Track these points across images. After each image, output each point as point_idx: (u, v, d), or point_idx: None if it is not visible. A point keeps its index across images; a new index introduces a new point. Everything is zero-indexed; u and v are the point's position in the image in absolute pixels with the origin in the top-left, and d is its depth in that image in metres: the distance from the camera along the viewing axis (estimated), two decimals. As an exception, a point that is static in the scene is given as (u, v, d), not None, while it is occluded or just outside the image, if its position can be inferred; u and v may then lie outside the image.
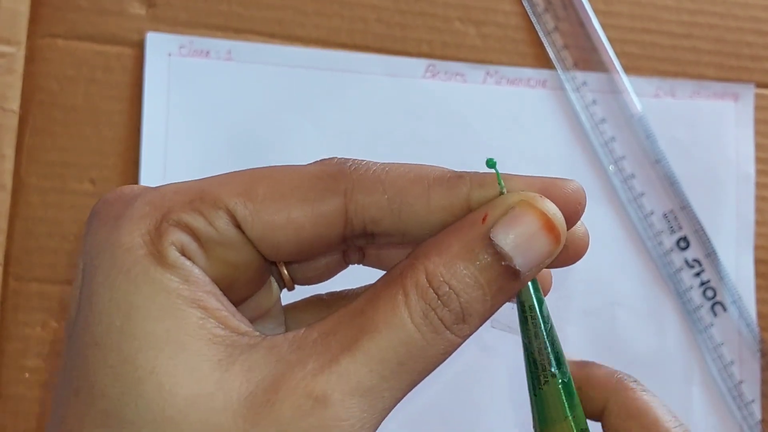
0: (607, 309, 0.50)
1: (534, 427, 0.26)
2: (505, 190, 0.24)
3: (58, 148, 0.46)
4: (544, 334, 0.25)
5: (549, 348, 0.25)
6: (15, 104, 0.45)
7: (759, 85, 0.53)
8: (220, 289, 0.24)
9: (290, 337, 0.23)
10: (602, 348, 0.50)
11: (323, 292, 0.29)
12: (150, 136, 0.46)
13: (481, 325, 0.23)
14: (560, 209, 0.24)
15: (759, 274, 0.51)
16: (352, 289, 0.29)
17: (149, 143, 0.46)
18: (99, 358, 0.22)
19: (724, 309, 0.50)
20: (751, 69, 0.53)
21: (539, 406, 0.25)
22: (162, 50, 0.47)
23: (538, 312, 0.25)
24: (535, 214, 0.23)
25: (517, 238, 0.23)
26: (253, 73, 0.48)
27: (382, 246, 0.27)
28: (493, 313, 0.24)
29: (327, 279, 0.29)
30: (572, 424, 0.25)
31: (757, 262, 0.52)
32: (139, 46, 0.47)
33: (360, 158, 0.25)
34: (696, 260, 0.51)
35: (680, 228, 0.51)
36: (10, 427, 0.43)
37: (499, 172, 0.24)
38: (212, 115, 0.47)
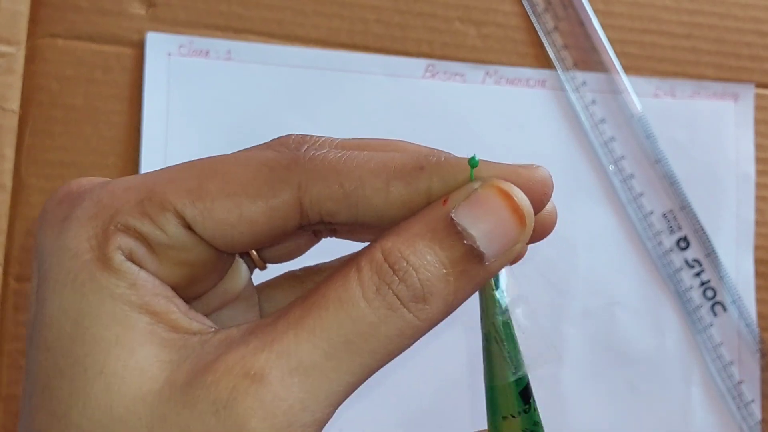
0: (606, 309, 0.50)
1: (487, 419, 0.25)
2: (475, 157, 0.23)
3: (58, 148, 0.46)
4: (500, 325, 0.24)
5: (504, 342, 0.24)
6: (15, 104, 0.45)
7: (759, 85, 0.53)
8: (178, 288, 0.23)
9: (244, 326, 0.22)
10: (602, 348, 0.50)
11: (297, 269, 0.28)
12: (150, 136, 0.46)
13: (446, 312, 0.22)
14: (526, 195, 0.23)
15: (759, 274, 0.51)
16: (325, 263, 0.28)
17: (149, 143, 0.46)
18: (50, 362, 0.22)
19: (724, 309, 0.50)
20: (751, 69, 0.53)
21: (489, 398, 0.25)
22: (162, 50, 0.47)
23: (497, 303, 0.24)
24: (499, 195, 0.22)
25: (480, 218, 0.22)
26: (252, 73, 0.48)
27: (344, 235, 0.26)
28: (458, 302, 0.22)
29: (299, 255, 0.28)
30: (520, 421, 0.24)
31: (757, 262, 0.52)
32: (139, 46, 0.47)
33: (319, 136, 0.24)
34: (696, 260, 0.51)
35: (680, 228, 0.51)
36: (10, 428, 0.43)
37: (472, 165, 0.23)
38: (212, 114, 0.47)
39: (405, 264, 0.21)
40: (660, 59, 0.52)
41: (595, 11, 0.51)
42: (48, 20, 0.46)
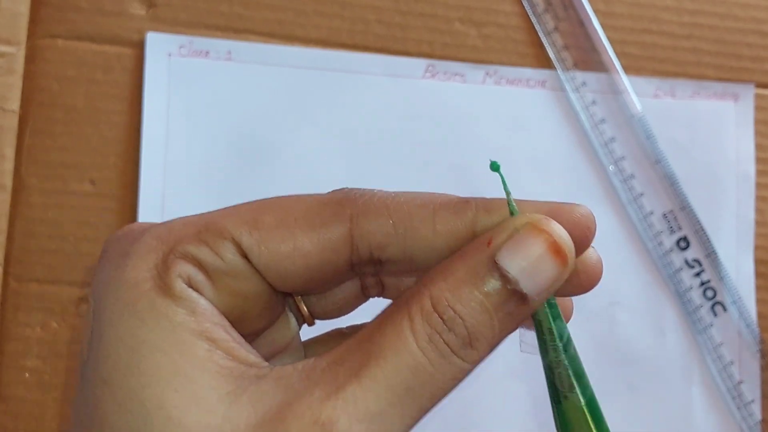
0: (607, 309, 0.50)
1: None
2: (511, 196, 0.24)
3: (58, 149, 0.46)
4: (563, 354, 0.24)
5: (568, 370, 0.24)
6: (15, 104, 0.45)
7: (759, 86, 0.53)
8: (230, 321, 0.24)
9: (299, 367, 0.22)
10: (602, 348, 0.50)
11: (344, 326, 0.29)
12: (150, 137, 0.46)
13: (490, 351, 0.23)
14: (568, 233, 0.23)
15: (759, 274, 0.51)
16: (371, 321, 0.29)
17: (149, 143, 0.46)
18: (107, 395, 0.22)
19: (724, 309, 0.50)
20: (751, 69, 0.53)
21: (560, 424, 0.25)
22: (162, 50, 0.47)
23: (556, 334, 0.24)
24: (541, 236, 0.23)
25: (523, 261, 0.22)
26: (252, 74, 0.48)
27: (391, 273, 0.26)
28: (504, 338, 0.23)
29: (347, 312, 0.29)
30: None
31: (757, 262, 0.52)
32: (139, 46, 0.47)
33: (366, 188, 0.25)
34: (696, 260, 0.51)
35: (680, 228, 0.51)
36: (10, 428, 0.43)
37: (504, 178, 0.24)
38: (212, 115, 0.47)
39: (452, 314, 0.22)
40: (660, 59, 0.52)
41: (595, 11, 0.51)
42: (48, 20, 0.46)
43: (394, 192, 0.25)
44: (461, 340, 0.22)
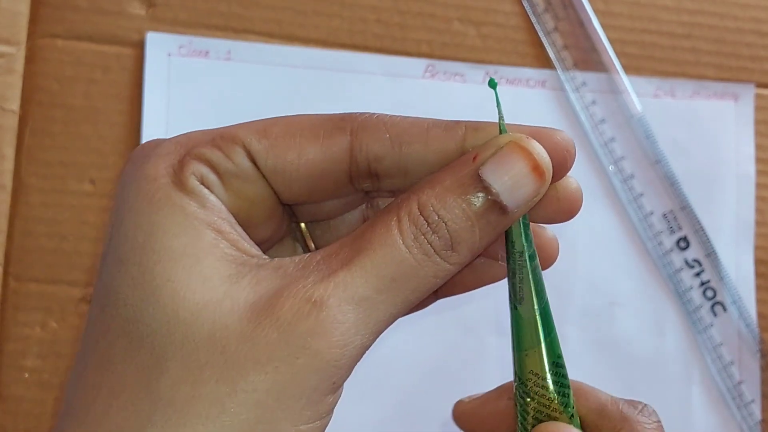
0: (607, 309, 0.50)
1: (512, 348, 0.27)
2: (501, 108, 0.26)
3: (58, 148, 0.46)
4: (527, 264, 0.26)
5: (529, 277, 0.26)
6: (15, 104, 0.45)
7: (759, 85, 0.53)
8: (240, 221, 0.26)
9: (296, 259, 0.25)
10: (602, 348, 0.50)
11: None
12: (150, 136, 0.46)
13: (473, 255, 0.25)
14: (551, 155, 0.25)
15: (759, 274, 0.51)
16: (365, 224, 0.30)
17: (149, 143, 0.46)
18: (123, 272, 0.24)
19: (724, 309, 0.50)
20: (751, 69, 0.53)
21: (515, 328, 0.27)
22: (162, 50, 0.47)
23: (524, 245, 0.26)
24: (522, 153, 0.25)
25: (505, 176, 0.24)
26: (252, 73, 0.48)
27: (388, 189, 0.28)
28: (484, 246, 0.25)
29: (348, 211, 0.30)
30: (543, 350, 0.26)
31: (757, 262, 0.52)
32: (139, 46, 0.47)
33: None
34: (696, 260, 0.51)
35: (680, 228, 0.51)
36: (10, 428, 0.43)
37: (498, 97, 0.26)
38: (212, 114, 0.47)
39: (436, 218, 0.24)
40: (660, 59, 0.52)
41: (595, 11, 0.51)
42: (48, 20, 0.46)
43: (391, 114, 0.27)
44: (444, 242, 0.24)
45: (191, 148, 0.26)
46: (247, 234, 0.26)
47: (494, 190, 0.24)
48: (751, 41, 0.53)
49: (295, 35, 0.49)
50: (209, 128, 0.27)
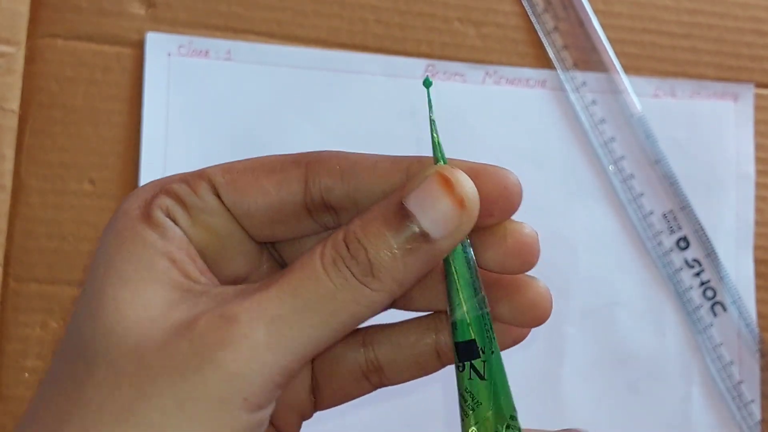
0: (607, 309, 0.50)
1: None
2: (433, 112, 0.27)
3: (58, 149, 0.46)
4: (465, 307, 0.26)
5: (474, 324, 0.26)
6: (15, 104, 0.45)
7: (759, 85, 0.53)
8: (207, 258, 0.27)
9: (239, 287, 0.26)
10: (602, 348, 0.50)
11: None
12: (150, 136, 0.46)
13: (400, 283, 0.25)
14: (487, 192, 0.26)
15: (759, 274, 0.51)
16: None
17: (149, 143, 0.46)
18: (81, 295, 0.26)
19: (724, 309, 0.50)
20: (751, 69, 0.53)
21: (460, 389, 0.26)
22: (161, 50, 0.47)
23: (457, 280, 0.26)
24: (442, 183, 0.25)
25: (426, 203, 0.25)
26: (252, 73, 0.48)
27: (343, 222, 0.29)
28: (413, 276, 0.25)
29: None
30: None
31: (757, 262, 0.52)
32: (139, 46, 0.47)
33: None
34: (696, 260, 0.51)
35: (680, 228, 0.51)
36: (10, 428, 0.43)
37: (431, 98, 0.27)
38: (212, 114, 0.47)
39: (357, 243, 0.25)
40: (660, 59, 0.52)
41: (595, 11, 0.51)
42: (48, 20, 0.46)
43: (345, 151, 0.28)
44: (362, 267, 0.25)
45: (164, 185, 0.27)
46: (221, 269, 0.28)
47: (417, 219, 0.25)
48: (751, 41, 0.53)
49: (295, 35, 0.49)
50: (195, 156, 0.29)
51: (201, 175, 0.28)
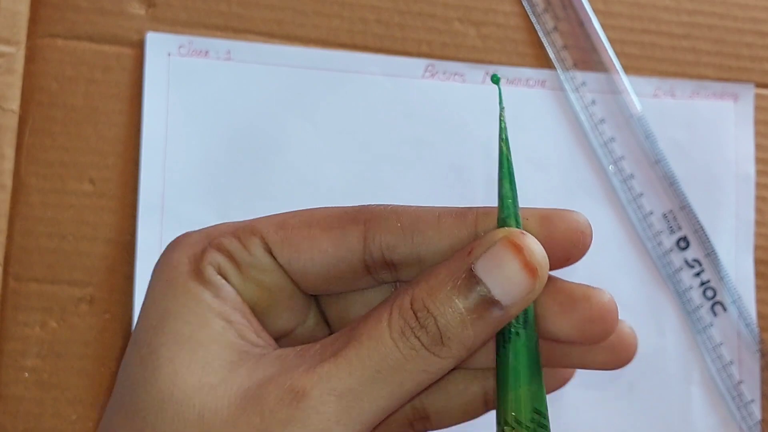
0: (606, 309, 0.50)
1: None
2: (504, 106, 0.26)
3: (58, 148, 0.46)
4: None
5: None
6: (15, 104, 0.45)
7: (759, 85, 0.53)
8: (257, 313, 0.27)
9: (298, 348, 0.25)
10: (602, 348, 0.50)
11: None
12: (150, 136, 0.46)
13: (468, 349, 0.25)
14: (560, 238, 0.26)
15: (759, 274, 0.51)
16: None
17: (149, 143, 0.46)
18: (134, 352, 0.26)
19: (724, 309, 0.50)
20: (751, 69, 0.53)
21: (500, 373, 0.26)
22: (161, 50, 0.47)
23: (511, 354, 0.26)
24: (513, 250, 0.25)
25: (496, 271, 0.24)
26: (252, 73, 0.48)
27: (406, 279, 0.28)
28: (480, 341, 0.25)
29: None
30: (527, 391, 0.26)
31: (757, 262, 0.52)
32: (139, 46, 0.47)
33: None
34: (696, 260, 0.51)
35: (680, 228, 0.51)
36: (10, 428, 0.43)
37: (502, 93, 0.27)
38: (212, 114, 0.47)
39: (426, 312, 0.24)
40: (660, 59, 0.52)
41: (595, 11, 0.51)
42: (48, 20, 0.46)
43: (403, 204, 0.27)
44: (432, 337, 0.24)
45: (212, 239, 0.27)
46: (269, 323, 0.28)
47: (487, 286, 0.24)
48: (751, 41, 0.53)
49: (295, 35, 0.49)
50: (235, 221, 0.28)
51: (252, 230, 0.27)
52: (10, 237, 0.44)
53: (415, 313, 0.24)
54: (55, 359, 0.44)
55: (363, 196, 0.48)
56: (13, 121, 0.45)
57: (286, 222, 0.27)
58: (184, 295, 0.26)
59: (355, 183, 0.48)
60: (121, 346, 0.44)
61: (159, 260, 0.27)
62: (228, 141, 0.47)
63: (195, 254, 0.26)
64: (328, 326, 0.30)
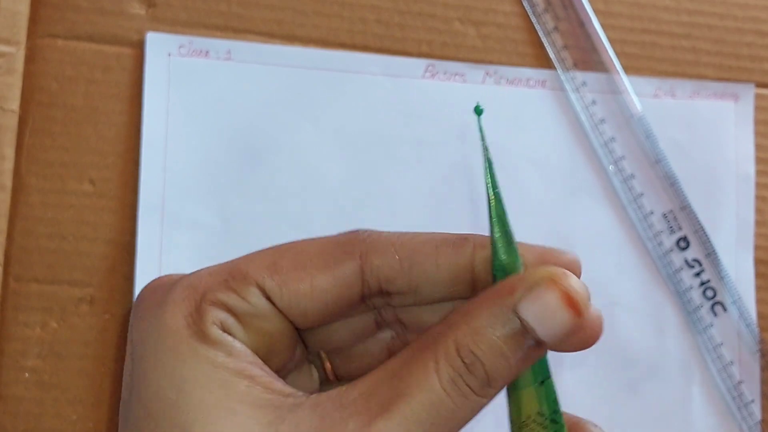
0: (606, 309, 0.50)
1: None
2: (487, 144, 0.26)
3: (58, 148, 0.46)
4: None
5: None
6: (15, 104, 0.45)
7: (759, 85, 0.53)
8: (263, 358, 0.26)
9: (333, 395, 0.25)
10: (602, 348, 0.50)
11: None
12: (150, 136, 0.46)
13: (505, 385, 0.25)
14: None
15: (759, 274, 0.51)
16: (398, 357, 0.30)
17: (149, 143, 0.46)
18: (152, 427, 0.24)
19: (724, 309, 0.50)
20: (751, 69, 0.53)
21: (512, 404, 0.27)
22: (162, 50, 0.47)
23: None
24: (558, 290, 0.25)
25: (541, 312, 0.25)
26: (252, 73, 0.48)
27: (399, 305, 0.28)
28: (518, 375, 0.25)
29: (359, 342, 0.30)
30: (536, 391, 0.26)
31: (757, 262, 0.52)
32: (139, 46, 0.47)
33: (372, 229, 0.28)
34: (696, 260, 0.51)
35: (680, 228, 0.51)
36: (10, 428, 0.43)
37: (482, 127, 0.26)
38: (212, 114, 0.47)
39: (473, 358, 0.24)
40: (660, 59, 0.52)
41: (595, 11, 0.51)
42: (48, 20, 0.46)
43: (398, 232, 0.27)
44: (480, 381, 0.24)
45: (205, 293, 0.26)
46: (271, 365, 0.27)
47: (531, 327, 0.24)
48: (751, 41, 0.53)
49: (295, 35, 0.49)
50: (216, 264, 0.27)
51: (245, 277, 0.26)
52: (10, 237, 0.44)
53: (462, 360, 0.24)
54: (55, 359, 0.44)
55: (363, 196, 0.48)
56: (13, 121, 0.45)
57: (278, 264, 0.26)
58: (196, 361, 0.24)
59: (355, 183, 0.48)
60: (121, 346, 0.44)
61: (144, 319, 0.26)
62: (228, 141, 0.47)
63: (191, 314, 0.25)
64: (306, 348, 0.30)
